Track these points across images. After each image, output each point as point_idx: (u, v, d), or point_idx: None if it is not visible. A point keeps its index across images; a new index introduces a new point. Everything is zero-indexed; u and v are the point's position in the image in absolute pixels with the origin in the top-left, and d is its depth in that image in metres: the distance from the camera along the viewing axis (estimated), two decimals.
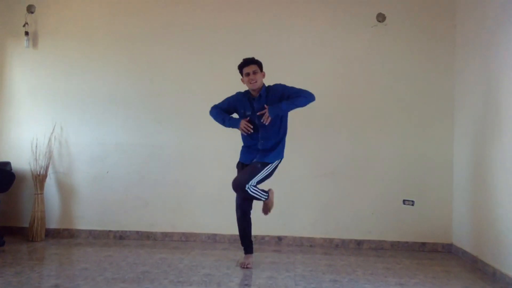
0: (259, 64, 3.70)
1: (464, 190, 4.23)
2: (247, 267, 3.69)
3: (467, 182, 4.17)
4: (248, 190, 3.62)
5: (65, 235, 4.75)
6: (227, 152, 4.67)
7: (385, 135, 4.55)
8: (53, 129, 4.77)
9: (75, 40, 4.80)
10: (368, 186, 4.57)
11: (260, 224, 4.60)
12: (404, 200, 4.53)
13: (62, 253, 4.19)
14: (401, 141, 4.55)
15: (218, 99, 4.64)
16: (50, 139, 4.75)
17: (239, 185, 3.62)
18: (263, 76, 3.73)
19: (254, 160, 3.69)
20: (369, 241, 4.53)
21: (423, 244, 4.48)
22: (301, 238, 4.60)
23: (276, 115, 3.59)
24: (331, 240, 4.57)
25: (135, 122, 4.75)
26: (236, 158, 4.64)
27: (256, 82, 3.65)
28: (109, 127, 4.77)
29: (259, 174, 3.63)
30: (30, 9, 4.78)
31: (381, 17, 4.55)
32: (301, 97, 3.61)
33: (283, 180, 4.61)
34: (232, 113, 3.86)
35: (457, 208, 4.39)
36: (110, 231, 4.72)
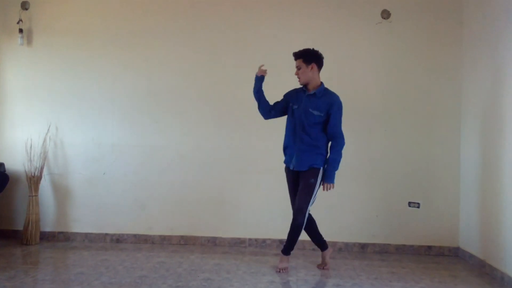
0: (304, 57, 3.64)
1: (471, 192, 4.22)
2: (324, 268, 3.82)
3: (474, 184, 4.17)
4: (305, 218, 3.61)
5: (60, 238, 4.75)
6: (227, 153, 4.68)
7: (390, 136, 4.55)
8: (48, 129, 4.77)
9: (71, 38, 4.80)
10: (372, 188, 4.57)
11: (261, 227, 4.62)
12: (409, 203, 4.53)
13: (57, 257, 4.19)
14: (406, 142, 4.55)
15: (217, 99, 4.67)
16: (45, 140, 4.75)
17: (299, 210, 3.60)
18: (311, 68, 3.65)
19: (293, 161, 3.67)
20: (373, 244, 4.53)
21: (429, 247, 4.48)
22: (303, 241, 4.57)
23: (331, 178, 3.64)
24: (334, 244, 4.56)
25: (132, 122, 4.75)
26: (237, 159, 4.67)
27: (300, 78, 3.67)
28: (106, 127, 4.77)
29: (315, 190, 3.62)
30: (24, 6, 4.78)
31: (385, 14, 4.54)
32: (338, 150, 3.65)
33: (285, 181, 4.61)
34: (286, 109, 3.82)
35: (464, 210, 4.39)
36: (106, 234, 4.72)
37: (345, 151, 4.55)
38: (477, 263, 4.01)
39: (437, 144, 4.52)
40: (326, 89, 3.73)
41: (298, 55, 3.68)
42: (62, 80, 4.80)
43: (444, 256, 4.43)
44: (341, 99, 4.65)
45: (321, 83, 3.73)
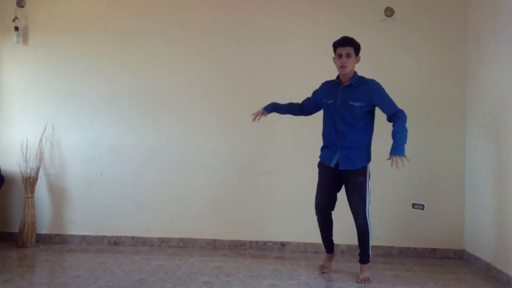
0: (355, 47, 3.53)
1: (477, 193, 4.22)
2: (324, 272, 3.80)
3: (480, 185, 4.17)
4: (367, 218, 3.56)
5: (56, 241, 4.75)
6: (227, 153, 4.68)
7: None
8: (44, 129, 4.77)
9: (68, 36, 4.80)
10: (375, 189, 4.53)
11: (262, 229, 4.62)
12: (413, 204, 4.52)
13: (54, 260, 4.19)
14: (410, 142, 4.49)
15: (217, 98, 4.67)
16: (41, 140, 4.75)
17: (359, 213, 3.55)
18: (358, 61, 3.57)
19: (337, 159, 3.57)
20: (376, 247, 4.52)
21: (434, 250, 4.48)
22: (305, 244, 4.59)
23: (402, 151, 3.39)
24: (336, 246, 4.53)
25: (130, 122, 4.75)
26: (237, 160, 4.66)
27: (347, 67, 3.49)
28: (103, 127, 4.77)
29: (367, 188, 3.57)
30: (20, 3, 4.78)
31: (389, 12, 4.54)
32: (401, 122, 3.50)
33: (286, 183, 4.61)
34: (318, 106, 3.78)
35: (469, 212, 4.39)
36: (104, 236, 4.72)
37: None
38: (483, 266, 4.01)
39: (441, 144, 4.51)
40: (361, 77, 3.61)
41: (351, 43, 3.53)
42: (58, 79, 4.80)
43: (449, 259, 4.42)
44: None
45: (355, 72, 3.62)
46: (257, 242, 4.61)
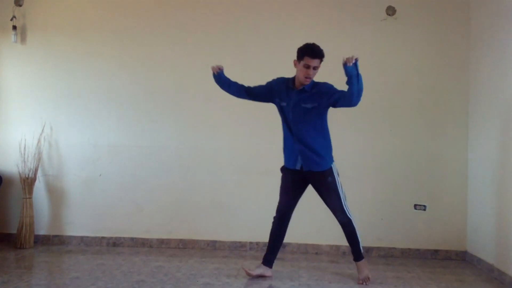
0: (322, 60, 3.47)
1: (480, 193, 4.22)
2: (249, 273, 3.65)
3: (482, 185, 4.16)
4: (349, 213, 3.56)
5: (55, 242, 4.75)
6: (227, 154, 4.67)
7: (395, 135, 4.54)
8: (43, 130, 4.77)
9: (66, 35, 4.80)
10: (377, 190, 4.56)
11: (262, 230, 4.59)
12: (415, 205, 4.52)
13: (52, 261, 4.19)
14: (412, 142, 4.55)
15: (217, 99, 4.65)
16: (39, 140, 4.75)
17: (338, 210, 3.56)
18: (319, 69, 3.51)
19: (299, 161, 3.56)
20: (378, 248, 4.52)
21: (436, 251, 4.48)
22: (306, 245, 4.59)
23: (351, 71, 3.25)
24: (337, 247, 4.56)
25: (129, 122, 4.75)
26: (237, 160, 4.66)
27: (311, 79, 3.47)
28: (102, 127, 4.76)
29: (338, 186, 3.56)
30: (18, 2, 4.77)
31: (391, 11, 4.54)
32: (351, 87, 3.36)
33: None
34: (266, 99, 3.71)
35: (472, 213, 4.38)
36: (103, 237, 4.72)
37: (348, 152, 4.57)
38: (486, 268, 4.01)
39: (444, 144, 4.51)
40: (313, 81, 3.55)
41: (321, 55, 3.44)
42: (57, 79, 4.80)
43: (451, 260, 4.42)
44: None
45: None
46: (257, 243, 4.61)
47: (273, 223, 3.75)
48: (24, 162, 4.65)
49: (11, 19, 4.77)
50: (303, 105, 3.49)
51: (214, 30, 4.70)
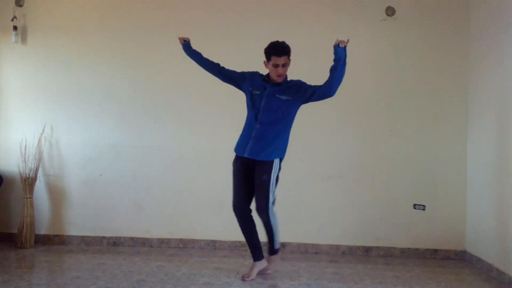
0: (290, 54, 3.51)
1: (479, 193, 4.22)
2: (245, 279, 3.60)
3: (481, 185, 4.17)
4: (271, 215, 3.58)
5: (55, 242, 4.76)
6: (227, 154, 4.66)
7: (395, 136, 4.55)
8: (43, 129, 4.77)
9: (67, 35, 4.80)
10: (376, 189, 4.57)
11: (262, 230, 4.60)
12: (414, 205, 4.53)
13: (53, 261, 4.20)
14: (412, 142, 4.55)
15: (218, 97, 4.67)
16: (40, 140, 4.76)
17: (261, 210, 3.57)
18: (289, 64, 3.56)
19: (246, 154, 3.58)
20: (377, 248, 4.53)
21: (435, 251, 4.48)
22: (306, 244, 4.60)
23: (341, 53, 3.35)
24: (337, 247, 4.56)
25: (130, 122, 4.75)
26: None
27: (282, 76, 3.53)
28: (103, 127, 4.77)
29: (271, 186, 3.56)
30: (19, 2, 4.78)
31: (390, 11, 4.54)
32: (331, 72, 3.46)
33: (287, 183, 4.60)
34: (236, 83, 3.75)
35: (471, 213, 4.39)
36: (103, 237, 4.72)
37: (347, 151, 4.58)
38: (485, 267, 4.01)
39: (443, 144, 4.51)
40: (286, 77, 3.63)
41: (286, 51, 3.50)
42: (57, 79, 4.81)
43: (450, 259, 4.43)
44: (344, 98, 4.67)
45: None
46: None
47: (238, 222, 3.72)
48: (25, 162, 4.66)
49: (12, 20, 4.77)
50: (278, 96, 3.55)
51: (214, 30, 4.70)
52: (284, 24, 4.66)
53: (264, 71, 3.73)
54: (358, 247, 4.55)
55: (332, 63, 3.47)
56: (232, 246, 4.62)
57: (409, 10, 4.56)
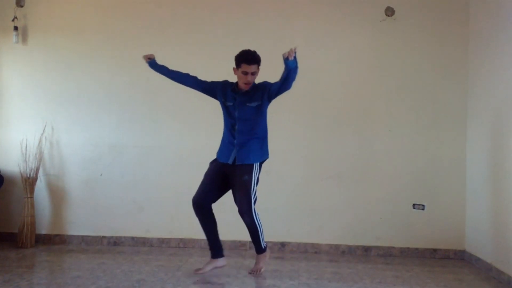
0: (259, 63, 3.62)
1: (478, 193, 4.22)
2: (197, 273, 3.66)
3: (481, 185, 4.17)
4: (254, 216, 3.60)
5: (56, 241, 4.76)
6: None
7: (394, 136, 4.55)
8: (44, 129, 4.77)
9: (67, 36, 4.80)
10: (376, 189, 4.57)
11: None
12: (414, 205, 4.53)
13: (53, 260, 4.20)
14: (411, 142, 4.55)
15: None
16: (40, 140, 4.76)
17: (244, 211, 3.59)
18: (258, 73, 3.64)
19: (230, 161, 3.62)
20: (377, 247, 4.53)
21: (434, 250, 4.48)
22: (306, 244, 4.60)
23: (292, 64, 3.40)
24: (337, 247, 4.56)
25: (130, 122, 4.75)
26: None
27: (249, 84, 3.61)
28: (103, 127, 4.77)
29: (252, 186, 3.60)
30: (20, 3, 4.78)
31: (390, 11, 4.54)
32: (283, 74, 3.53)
33: (287, 183, 4.62)
34: (211, 93, 3.79)
35: (470, 212, 4.39)
36: (103, 237, 4.72)
37: (348, 152, 4.58)
38: (484, 267, 4.01)
39: (442, 144, 4.52)
40: (254, 83, 3.67)
41: (257, 61, 3.59)
42: (58, 79, 4.81)
43: (450, 259, 4.43)
44: (344, 98, 4.68)
45: None
46: None
47: (197, 216, 3.72)
48: (26, 162, 4.66)
49: (12, 20, 4.77)
50: (249, 104, 3.61)
51: (214, 30, 4.70)
52: (283, 25, 4.66)
53: (233, 78, 3.74)
54: (357, 247, 4.56)
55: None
56: (232, 246, 4.62)
57: (409, 10, 4.55)
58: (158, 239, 4.69)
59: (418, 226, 4.50)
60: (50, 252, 4.44)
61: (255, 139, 3.65)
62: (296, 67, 3.45)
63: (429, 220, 4.49)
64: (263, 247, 3.74)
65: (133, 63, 4.75)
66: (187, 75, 3.82)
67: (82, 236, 4.74)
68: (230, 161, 3.64)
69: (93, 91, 4.77)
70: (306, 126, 4.59)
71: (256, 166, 3.64)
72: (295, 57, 3.41)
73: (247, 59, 3.57)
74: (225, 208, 4.64)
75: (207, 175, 3.75)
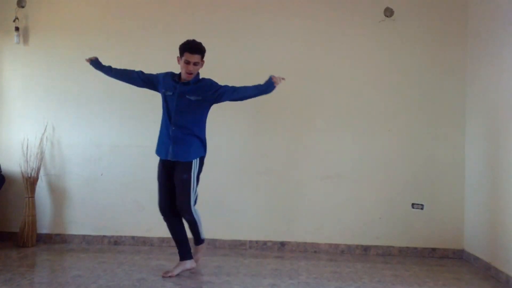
0: (203, 54, 3.59)
1: (476, 193, 4.22)
2: (164, 276, 3.61)
3: (479, 185, 4.17)
4: (194, 213, 3.63)
5: (57, 241, 4.76)
6: (227, 154, 4.68)
7: (393, 136, 4.55)
8: (45, 129, 4.77)
9: (68, 36, 4.80)
10: (375, 189, 4.57)
11: (261, 229, 4.62)
12: (413, 204, 4.53)
13: (54, 260, 4.20)
14: (410, 142, 4.55)
15: None
16: (41, 140, 4.76)
17: (183, 209, 3.59)
18: (202, 65, 3.63)
19: (169, 157, 3.59)
20: (376, 246, 4.53)
21: (433, 250, 4.49)
22: (305, 243, 4.60)
23: (270, 88, 3.56)
24: (336, 246, 4.57)
25: (130, 122, 4.75)
26: (237, 159, 4.67)
27: (192, 74, 3.56)
28: (104, 127, 4.77)
29: (192, 185, 3.59)
30: (21, 3, 4.78)
31: (388, 12, 4.54)
32: (250, 88, 3.62)
33: (286, 182, 4.62)
34: (153, 86, 3.78)
35: (469, 212, 4.39)
36: (104, 236, 4.72)
37: (348, 152, 4.58)
38: (482, 266, 4.02)
39: (441, 144, 4.52)
40: (199, 78, 3.67)
41: (200, 51, 3.56)
42: (59, 79, 4.81)
43: (449, 258, 4.43)
44: (343, 98, 4.67)
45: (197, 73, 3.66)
46: (257, 241, 4.62)
47: (165, 222, 3.72)
48: (27, 161, 4.66)
49: (14, 20, 4.77)
50: (187, 97, 3.59)
51: (214, 31, 4.69)
52: (283, 26, 4.66)
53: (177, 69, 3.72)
54: (357, 246, 4.56)
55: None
56: (232, 245, 4.62)
57: (408, 11, 4.55)
58: (159, 238, 4.69)
59: (417, 225, 4.50)
60: (51, 251, 4.44)
61: (191, 136, 3.62)
62: (270, 92, 3.58)
63: (428, 219, 4.49)
64: (202, 238, 3.77)
65: (133, 63, 4.74)
66: (131, 70, 3.82)
67: (83, 236, 4.74)
68: (168, 157, 3.61)
69: (94, 91, 4.77)
70: (306, 126, 4.59)
71: (195, 163, 3.62)
72: (270, 83, 3.55)
73: (190, 48, 3.54)
74: (224, 208, 4.66)
75: (159, 178, 3.72)
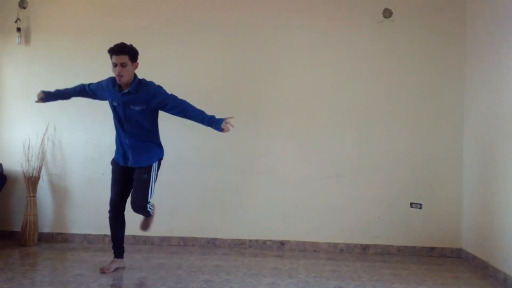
0: (131, 55, 3.41)
1: (474, 192, 4.23)
2: (105, 272, 3.65)
3: (477, 184, 4.17)
4: (149, 209, 3.71)
5: (58, 240, 4.76)
6: (226, 153, 4.68)
7: (392, 136, 4.55)
8: (46, 129, 4.78)
9: (69, 37, 4.80)
10: (374, 188, 4.57)
11: (261, 228, 4.62)
12: (411, 203, 4.53)
13: (56, 258, 4.20)
14: (409, 142, 4.55)
15: (217, 98, 4.66)
16: (43, 140, 4.76)
17: (140, 208, 3.63)
18: (136, 67, 3.48)
19: (129, 164, 3.62)
20: (375, 246, 4.53)
21: (432, 249, 4.48)
22: (305, 242, 4.60)
23: (216, 129, 3.62)
24: (335, 245, 4.57)
25: None
26: (237, 159, 4.67)
27: (122, 76, 3.40)
28: (104, 127, 4.76)
29: (151, 184, 3.62)
30: (22, 4, 4.78)
31: (387, 13, 4.54)
32: (192, 108, 3.61)
33: (286, 182, 4.62)
34: (101, 97, 3.72)
35: (467, 211, 4.39)
36: (105, 235, 4.72)
37: (347, 152, 4.58)
38: (480, 265, 4.02)
39: (439, 144, 4.51)
40: (141, 81, 3.54)
41: (125, 51, 3.40)
42: (60, 79, 4.79)
43: (447, 257, 4.43)
44: (342, 98, 4.66)
45: (135, 76, 3.52)
46: (256, 241, 4.62)
47: (109, 218, 3.74)
48: (28, 161, 4.66)
49: (15, 21, 4.78)
50: (132, 107, 3.53)
51: (214, 31, 4.70)
52: (282, 27, 4.66)
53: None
54: (355, 245, 4.56)
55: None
56: (232, 244, 4.62)
57: (406, 12, 4.55)
58: (159, 237, 4.69)
59: (415, 224, 4.50)
60: (52, 250, 4.44)
61: (147, 142, 3.63)
62: (208, 125, 3.64)
63: (427, 218, 4.49)
64: (151, 214, 3.85)
65: None
66: (80, 85, 3.79)
67: (84, 235, 4.74)
68: (128, 164, 3.64)
69: None
70: (305, 126, 4.59)
71: (154, 165, 3.66)
72: (217, 123, 3.58)
73: (113, 49, 3.42)
74: (224, 207, 4.66)
75: (114, 176, 3.74)
